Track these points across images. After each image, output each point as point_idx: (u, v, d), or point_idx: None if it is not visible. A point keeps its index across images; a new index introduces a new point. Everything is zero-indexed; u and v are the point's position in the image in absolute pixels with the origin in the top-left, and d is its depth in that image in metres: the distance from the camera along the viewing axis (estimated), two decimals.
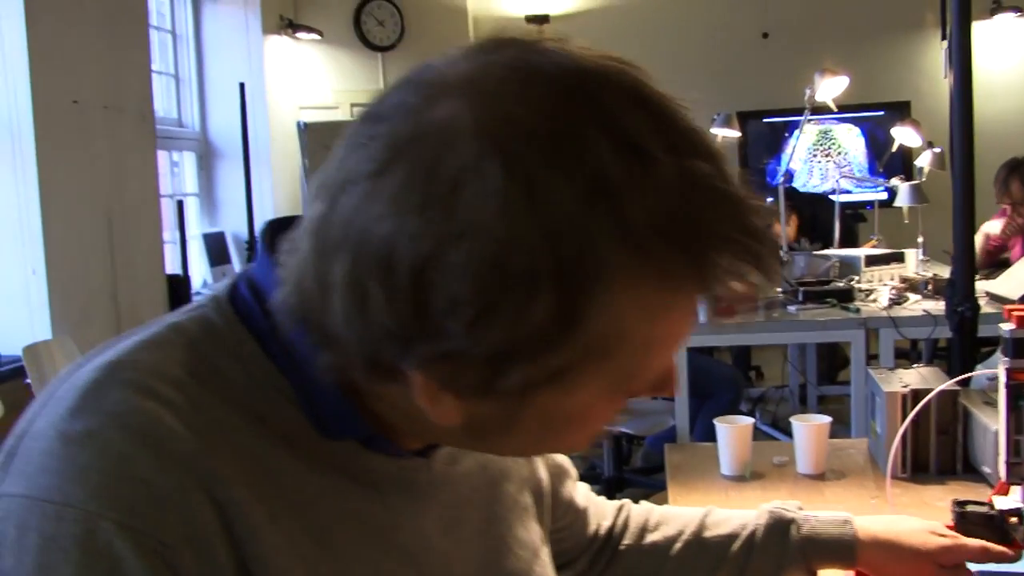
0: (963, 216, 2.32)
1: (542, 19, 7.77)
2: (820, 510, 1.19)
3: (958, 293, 2.31)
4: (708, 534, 1.15)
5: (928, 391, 1.93)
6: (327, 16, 6.87)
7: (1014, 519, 1.24)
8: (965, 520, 1.24)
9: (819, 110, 4.63)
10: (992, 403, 1.90)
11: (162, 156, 5.81)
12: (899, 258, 4.42)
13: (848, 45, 6.88)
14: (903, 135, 4.76)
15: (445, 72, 0.61)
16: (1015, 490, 1.22)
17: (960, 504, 1.27)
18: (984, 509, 1.25)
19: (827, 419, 2.00)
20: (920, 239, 4.77)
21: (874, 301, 3.95)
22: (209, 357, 0.69)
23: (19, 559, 0.60)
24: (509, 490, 0.91)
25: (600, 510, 1.17)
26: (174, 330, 0.71)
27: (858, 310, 3.81)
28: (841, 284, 4.12)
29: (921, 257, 4.63)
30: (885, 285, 4.10)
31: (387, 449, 0.74)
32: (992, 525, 1.23)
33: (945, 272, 3.96)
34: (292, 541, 0.67)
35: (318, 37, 6.72)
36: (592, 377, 0.63)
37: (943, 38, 2.77)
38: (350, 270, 0.59)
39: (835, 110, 4.49)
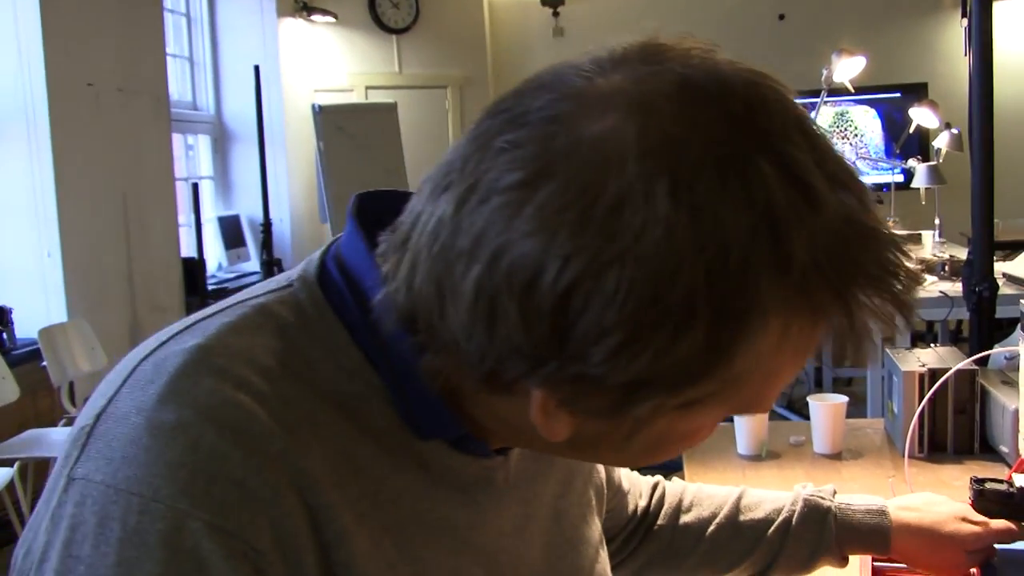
0: (982, 196, 2.31)
1: (557, 1, 7.74)
2: (840, 491, 1.18)
3: (976, 273, 2.29)
4: (743, 517, 1.14)
5: (946, 370, 1.92)
6: None
7: None
8: (983, 498, 1.23)
9: (836, 91, 4.60)
10: (1010, 382, 1.89)
11: (177, 139, 5.83)
12: (916, 239, 4.40)
13: (865, 26, 6.84)
14: (921, 116, 4.72)
15: (598, 82, 0.58)
16: None
17: (979, 482, 1.26)
18: (1003, 487, 1.24)
19: (844, 399, 1.99)
20: (937, 220, 4.75)
21: None
22: (300, 345, 0.66)
23: (98, 549, 0.57)
24: (577, 487, 0.90)
25: (637, 488, 1.16)
26: (262, 313, 0.67)
27: None
28: None
29: (938, 239, 4.61)
30: None
31: (475, 450, 0.72)
32: (1011, 503, 1.22)
33: (962, 254, 3.93)
34: (377, 544, 0.65)
35: (333, 20, 6.72)
36: (720, 405, 0.61)
37: (963, 16, 2.74)
38: (482, 283, 0.56)
39: (852, 91, 4.47)
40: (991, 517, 1.26)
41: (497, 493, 0.76)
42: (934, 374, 1.92)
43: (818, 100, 4.55)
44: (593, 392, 0.57)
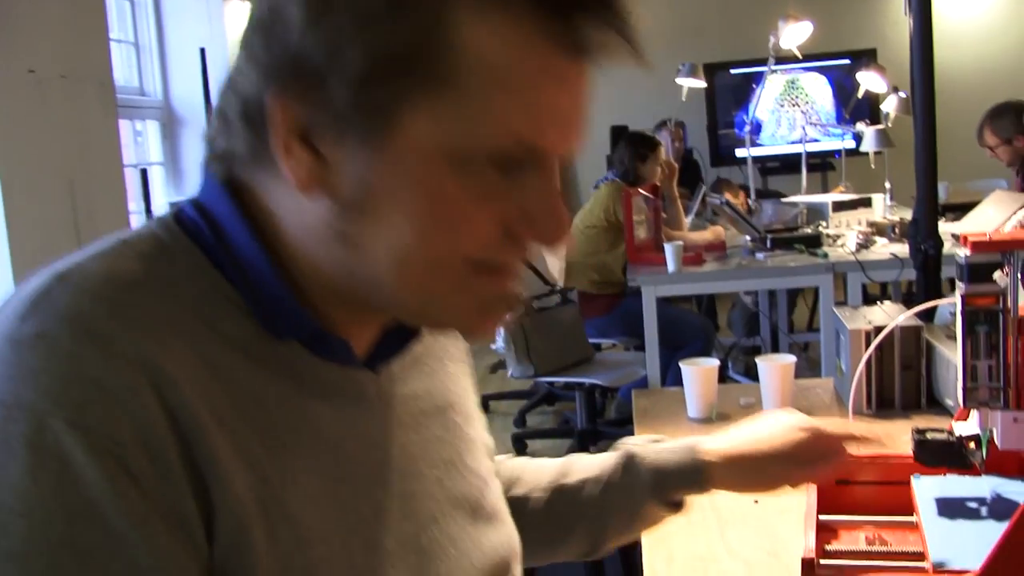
0: (926, 156, 2.33)
1: None
2: None
3: (921, 231, 2.32)
4: (567, 480, 1.09)
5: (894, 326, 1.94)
6: None
7: (972, 444, 1.24)
8: (924, 447, 1.25)
9: (785, 59, 4.62)
10: (955, 337, 1.91)
11: (124, 125, 5.74)
12: (866, 203, 4.45)
13: None
14: (869, 81, 4.76)
15: None
16: (973, 415, 1.23)
17: (919, 432, 1.28)
18: (943, 436, 1.26)
19: (792, 358, 2.00)
20: (887, 184, 4.79)
21: (842, 246, 3.97)
22: (159, 267, 0.69)
23: None
24: (456, 420, 0.89)
25: None
26: (123, 244, 0.70)
27: (826, 255, 3.82)
28: (808, 230, 4.14)
29: (888, 202, 4.65)
30: (852, 230, 4.11)
31: (333, 351, 0.74)
32: (951, 451, 1.24)
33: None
34: (240, 444, 0.66)
35: None
36: (445, 111, 0.65)
37: None
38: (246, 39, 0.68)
39: (799, 58, 4.49)
40: (932, 466, 1.28)
41: (370, 408, 0.77)
42: (879, 330, 1.93)
43: (766, 68, 4.57)
44: (318, 99, 0.64)
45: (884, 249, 3.83)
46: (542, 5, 0.64)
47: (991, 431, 1.21)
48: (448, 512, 0.83)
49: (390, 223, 0.67)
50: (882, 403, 1.94)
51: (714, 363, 2.02)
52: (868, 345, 1.93)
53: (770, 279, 3.99)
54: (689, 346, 4.25)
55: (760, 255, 3.96)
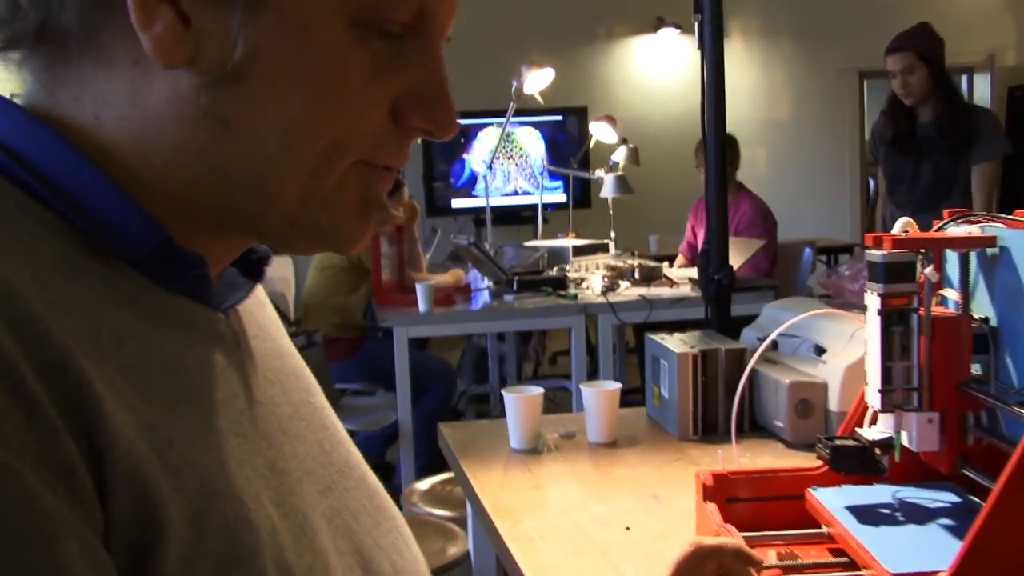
0: (716, 195, 2.39)
1: None
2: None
3: (714, 262, 2.36)
4: None
5: (715, 350, 1.94)
6: None
7: (877, 450, 1.22)
8: (840, 455, 1.22)
9: (500, 112, 4.66)
10: (774, 361, 1.93)
11: None
12: (604, 248, 4.56)
13: (532, 51, 7.09)
14: (600, 131, 4.92)
15: None
16: (884, 419, 1.21)
17: (829, 439, 1.25)
18: (852, 443, 1.23)
19: (617, 384, 1.96)
20: (612, 233, 4.94)
21: (587, 288, 4.03)
22: None
23: None
24: (312, 385, 0.76)
25: None
26: None
27: (575, 296, 3.87)
28: (553, 273, 4.18)
29: (614, 251, 4.79)
30: (595, 274, 4.20)
31: (179, 274, 0.59)
32: (865, 456, 1.21)
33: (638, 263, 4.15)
34: (110, 380, 0.50)
35: None
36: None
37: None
38: None
39: (541, 102, 4.58)
40: (848, 473, 1.25)
41: (229, 353, 0.63)
42: (705, 355, 1.93)
43: (482, 120, 4.61)
44: None
45: (630, 291, 3.93)
46: None
47: (903, 433, 1.19)
48: (341, 482, 0.70)
49: (276, 94, 0.56)
50: (706, 428, 1.93)
51: (538, 391, 1.93)
52: (695, 368, 1.91)
53: (522, 320, 3.98)
54: (434, 389, 4.16)
55: (508, 297, 3.95)
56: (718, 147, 2.39)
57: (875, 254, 1.18)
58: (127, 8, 0.54)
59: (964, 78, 8.63)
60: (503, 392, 1.92)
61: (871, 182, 9.44)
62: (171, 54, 0.55)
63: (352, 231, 0.63)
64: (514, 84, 4.34)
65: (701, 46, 2.38)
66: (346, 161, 0.60)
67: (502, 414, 1.92)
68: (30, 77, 0.58)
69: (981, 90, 8.23)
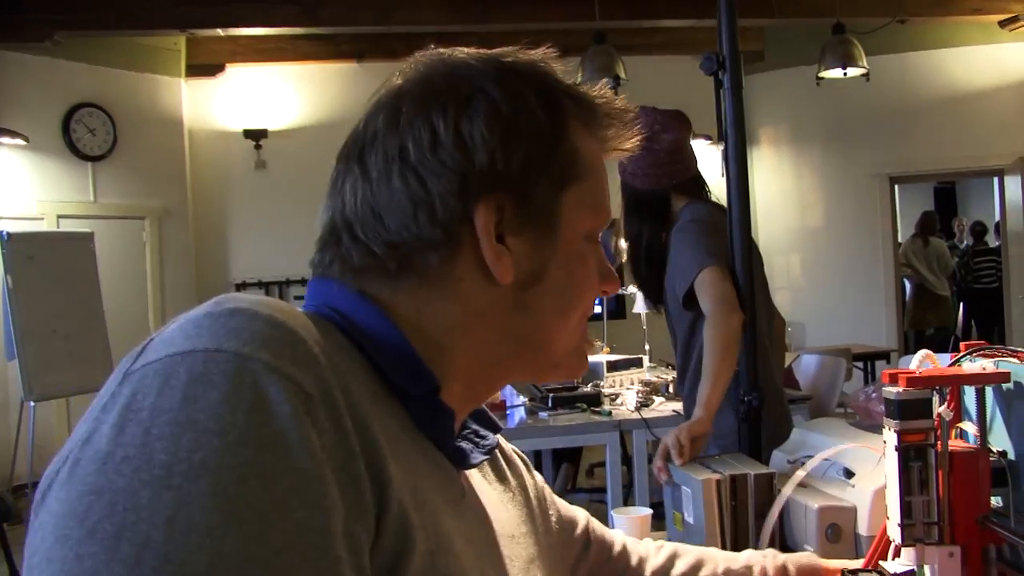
0: (747, 315, 2.42)
1: (260, 134, 7.63)
2: None
3: (744, 384, 2.38)
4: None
5: (743, 475, 1.95)
6: (33, 120, 6.39)
7: None
8: None
9: None
10: (802, 484, 1.94)
11: None
12: (637, 363, 4.58)
13: None
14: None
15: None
16: (907, 552, 1.22)
17: (852, 572, 1.26)
18: (875, 575, 1.24)
19: (648, 510, 1.97)
20: (647, 346, 4.97)
21: (621, 404, 4.05)
22: (312, 323, 0.75)
23: (163, 394, 0.62)
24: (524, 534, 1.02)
25: (639, 548, 1.30)
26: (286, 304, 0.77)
27: (610, 413, 3.88)
28: (587, 389, 4.20)
29: (648, 363, 4.82)
30: (628, 389, 4.22)
31: (444, 425, 0.85)
32: None
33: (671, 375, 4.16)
34: (398, 462, 0.73)
35: (23, 143, 6.21)
36: (580, 200, 0.88)
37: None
38: (404, 172, 0.83)
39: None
40: None
41: (462, 504, 0.88)
42: (733, 480, 1.94)
43: None
44: (505, 196, 0.84)
45: (663, 407, 3.94)
46: (592, 117, 0.91)
47: (925, 567, 1.21)
48: None
49: (556, 289, 0.88)
50: (737, 552, 1.93)
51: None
52: (720, 494, 1.93)
53: (557, 438, 3.99)
54: None
55: (543, 414, 3.97)
56: (744, 263, 2.44)
57: (891, 391, 1.21)
58: (469, 249, 0.84)
59: (995, 180, 8.69)
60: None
61: (906, 285, 9.46)
62: (507, 275, 0.85)
63: (583, 365, 0.96)
64: None
65: (726, 173, 2.45)
66: (584, 319, 0.94)
67: None
68: (387, 281, 0.85)
69: (1012, 192, 8.25)
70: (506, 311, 0.86)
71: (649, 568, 1.26)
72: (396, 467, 0.72)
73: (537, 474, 1.15)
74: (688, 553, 1.31)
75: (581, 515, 1.22)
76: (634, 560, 1.26)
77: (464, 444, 0.92)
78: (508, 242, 0.84)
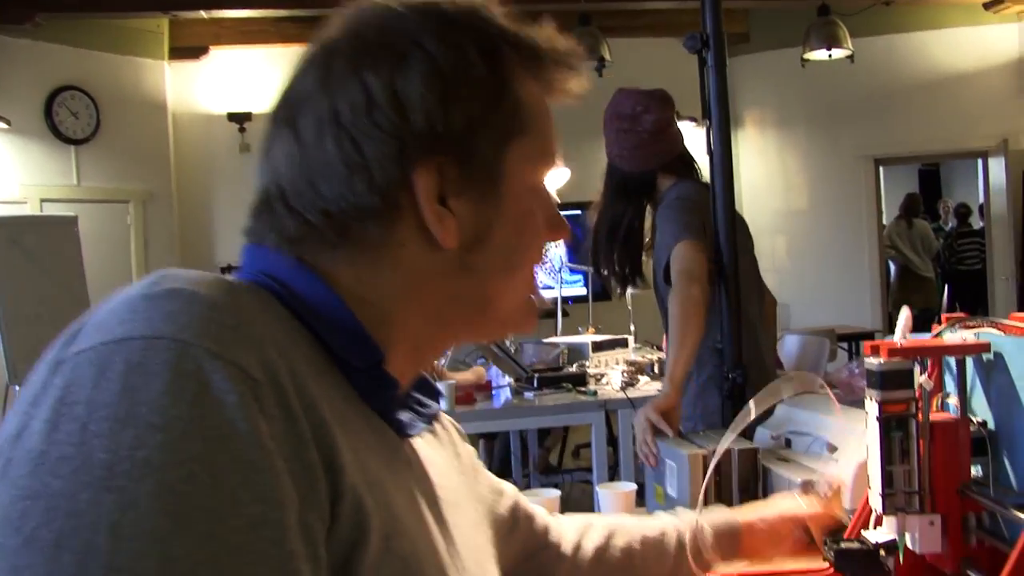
0: (729, 292, 2.43)
1: (244, 117, 7.60)
2: None
3: (728, 361, 2.40)
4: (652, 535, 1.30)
5: (727, 450, 1.96)
6: (15, 104, 6.35)
7: (883, 552, 1.24)
8: (845, 558, 1.24)
9: None
10: (786, 459, 1.96)
11: None
12: (623, 343, 4.60)
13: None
14: None
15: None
16: (888, 521, 1.23)
17: (834, 542, 1.27)
18: (857, 546, 1.26)
19: (633, 485, 1.98)
20: (632, 327, 4.98)
21: (607, 384, 4.06)
22: (249, 296, 0.72)
23: (99, 387, 0.58)
24: (474, 511, 1.01)
25: (561, 526, 1.26)
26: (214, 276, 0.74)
27: (595, 393, 3.90)
28: (573, 369, 4.21)
29: (634, 344, 4.83)
30: (614, 369, 4.23)
31: (378, 392, 0.81)
32: (871, 559, 1.23)
33: (656, 356, 4.18)
34: (348, 443, 0.70)
35: (5, 126, 6.18)
36: (524, 153, 0.84)
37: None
38: (338, 135, 0.78)
39: (559, 200, 4.64)
40: (854, 575, 1.27)
41: (408, 475, 0.86)
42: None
43: None
44: (451, 157, 0.79)
45: (648, 387, 3.96)
46: (537, 63, 0.87)
47: (906, 535, 1.22)
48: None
49: (502, 247, 0.84)
50: None
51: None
52: (706, 470, 1.94)
53: (542, 417, 4.01)
54: None
55: (528, 394, 3.98)
56: (729, 237, 2.45)
57: (872, 362, 1.22)
58: (409, 214, 0.79)
59: (979, 162, 8.72)
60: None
61: (891, 266, 9.50)
62: (451, 239, 0.80)
63: (531, 319, 0.91)
64: None
65: (710, 151, 2.45)
66: (532, 271, 0.89)
67: None
68: (325, 250, 0.80)
69: (995, 174, 8.28)
70: (451, 274, 0.82)
71: (569, 542, 1.24)
72: (346, 448, 0.69)
73: (469, 444, 1.12)
74: (601, 523, 1.29)
75: (509, 488, 1.19)
76: (554, 536, 1.23)
77: (405, 414, 0.88)
78: (450, 204, 0.80)
